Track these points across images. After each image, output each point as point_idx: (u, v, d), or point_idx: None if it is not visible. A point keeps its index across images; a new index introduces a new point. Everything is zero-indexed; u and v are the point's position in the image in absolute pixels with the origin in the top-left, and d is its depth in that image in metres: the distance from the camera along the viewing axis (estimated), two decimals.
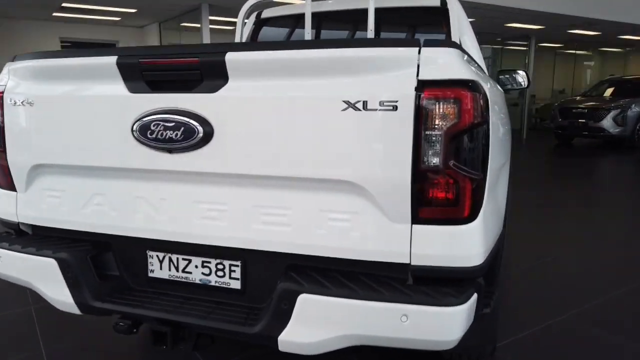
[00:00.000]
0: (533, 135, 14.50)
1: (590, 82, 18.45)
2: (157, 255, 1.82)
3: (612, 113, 10.85)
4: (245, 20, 3.35)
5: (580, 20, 10.95)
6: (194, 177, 1.63)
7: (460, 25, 2.87)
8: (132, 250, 1.84)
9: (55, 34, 11.04)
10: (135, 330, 1.80)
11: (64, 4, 9.04)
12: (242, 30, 3.29)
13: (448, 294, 1.42)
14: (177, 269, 1.79)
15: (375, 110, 1.39)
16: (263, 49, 1.50)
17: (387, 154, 1.41)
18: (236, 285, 1.72)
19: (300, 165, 1.49)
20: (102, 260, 1.88)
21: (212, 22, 9.17)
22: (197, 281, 1.77)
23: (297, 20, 3.45)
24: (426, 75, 1.38)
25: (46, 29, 11.01)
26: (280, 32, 3.56)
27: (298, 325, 1.49)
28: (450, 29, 2.78)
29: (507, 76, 4.55)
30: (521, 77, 4.48)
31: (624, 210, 5.66)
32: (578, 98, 12.43)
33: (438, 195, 1.41)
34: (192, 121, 1.55)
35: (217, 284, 1.75)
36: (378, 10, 3.08)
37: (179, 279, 1.80)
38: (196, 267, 1.77)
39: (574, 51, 18.10)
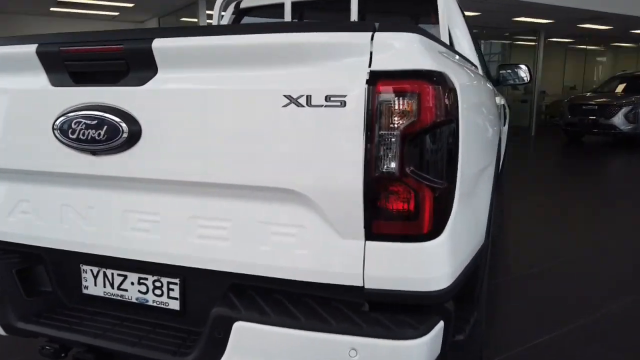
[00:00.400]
0: (542, 132, 14.17)
1: (602, 78, 18.02)
2: (91, 270, 1.61)
3: (624, 110, 10.50)
4: (223, 13, 3.15)
5: (589, 14, 10.59)
6: (122, 182, 1.43)
7: (451, 16, 2.64)
8: (65, 264, 1.64)
9: (54, 29, 10.91)
10: (63, 354, 1.60)
11: None
12: (219, 22, 3.09)
13: (406, 324, 1.21)
14: (112, 285, 1.59)
15: (321, 106, 1.17)
16: (196, 35, 1.28)
17: (335, 158, 1.19)
18: (175, 305, 1.52)
19: (237, 171, 1.28)
20: (33, 275, 1.68)
21: (210, 16, 8.98)
22: (134, 300, 1.57)
23: (279, 9, 3.23)
24: (380, 65, 1.16)
25: (45, 24, 10.87)
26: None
27: (234, 357, 1.29)
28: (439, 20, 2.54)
29: (509, 71, 4.37)
30: (523, 71, 4.29)
31: (636, 213, 5.38)
32: (588, 94, 12.09)
33: (394, 207, 1.19)
34: (116, 118, 1.34)
35: (155, 304, 1.54)
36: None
37: (114, 297, 1.59)
38: (132, 284, 1.56)
39: (585, 46, 17.68)
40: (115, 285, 1.59)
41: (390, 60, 1.16)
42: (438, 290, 1.23)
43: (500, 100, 3.62)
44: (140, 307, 1.56)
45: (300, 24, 1.22)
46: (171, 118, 1.32)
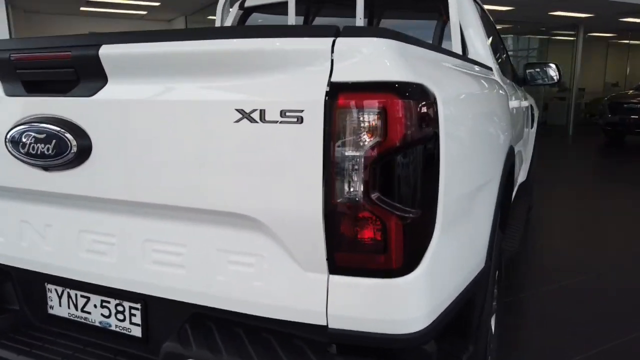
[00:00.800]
0: (581, 131, 13.55)
1: None
2: (55, 289, 1.52)
3: None
4: (230, 10, 3.04)
5: (631, 7, 10.02)
6: (76, 201, 1.32)
7: (463, 14, 2.44)
8: (31, 282, 1.55)
9: (85, 29, 11.09)
10: None
11: None
12: (223, 20, 2.98)
13: None
14: (76, 307, 1.49)
15: (276, 122, 1.03)
16: (144, 41, 1.16)
17: (292, 182, 1.05)
18: (137, 332, 1.41)
19: (188, 192, 1.15)
20: (1, 292, 1.60)
21: None
22: (97, 324, 1.47)
23: (285, 7, 3.09)
24: (342, 75, 1.01)
25: (76, 24, 11.08)
26: (267, 22, 3.22)
27: None
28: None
29: (537, 70, 4.15)
30: (552, 70, 4.07)
31: None
32: (630, 92, 11.47)
33: (359, 239, 1.04)
34: (64, 132, 1.23)
35: (117, 329, 1.44)
36: None
37: (78, 319, 1.50)
38: (95, 306, 1.46)
39: (627, 41, 16.84)
40: (79, 307, 1.49)
41: (354, 70, 1.01)
42: (413, 333, 1.07)
43: (521, 102, 3.38)
44: (104, 332, 1.46)
45: (254, 28, 1.08)
46: (121, 132, 1.20)
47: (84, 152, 1.23)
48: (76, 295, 1.49)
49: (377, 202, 1.01)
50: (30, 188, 1.35)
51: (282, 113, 1.02)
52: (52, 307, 1.54)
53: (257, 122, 1.04)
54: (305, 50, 1.03)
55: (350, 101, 0.99)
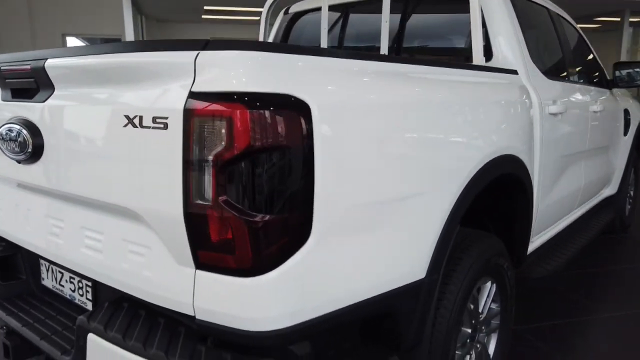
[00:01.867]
0: None
1: None
2: (44, 264, 1.80)
3: None
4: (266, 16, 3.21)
5: None
6: (41, 190, 1.57)
7: (489, 15, 2.31)
8: (31, 255, 1.85)
9: (207, 34, 12.12)
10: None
11: (206, 7, 9.86)
12: (266, 27, 3.17)
13: None
14: (56, 280, 1.75)
15: (149, 127, 1.15)
16: (77, 55, 1.35)
17: (161, 183, 1.16)
18: (90, 306, 1.62)
19: (96, 187, 1.33)
20: (14, 262, 1.92)
21: None
22: (68, 296, 1.71)
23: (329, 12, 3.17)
24: (200, 86, 1.09)
25: (198, 30, 12.18)
26: (313, 27, 3.33)
27: None
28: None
29: (637, 69, 3.79)
30: None
31: None
32: None
33: (213, 238, 1.11)
34: (26, 132, 1.47)
35: (79, 302, 1.67)
36: None
37: (57, 291, 1.76)
38: (66, 281, 1.71)
39: None
40: (57, 280, 1.74)
41: (211, 81, 1.09)
42: (267, 332, 1.12)
43: (594, 106, 3.07)
44: (72, 304, 1.70)
45: (134, 43, 1.22)
46: (58, 133, 1.42)
47: (38, 149, 1.46)
48: (55, 270, 1.74)
49: (225, 205, 1.07)
50: (11, 177, 1.62)
51: (154, 119, 1.14)
52: (43, 279, 1.82)
53: (137, 127, 1.17)
54: (174, 63, 1.13)
55: (202, 110, 1.07)
